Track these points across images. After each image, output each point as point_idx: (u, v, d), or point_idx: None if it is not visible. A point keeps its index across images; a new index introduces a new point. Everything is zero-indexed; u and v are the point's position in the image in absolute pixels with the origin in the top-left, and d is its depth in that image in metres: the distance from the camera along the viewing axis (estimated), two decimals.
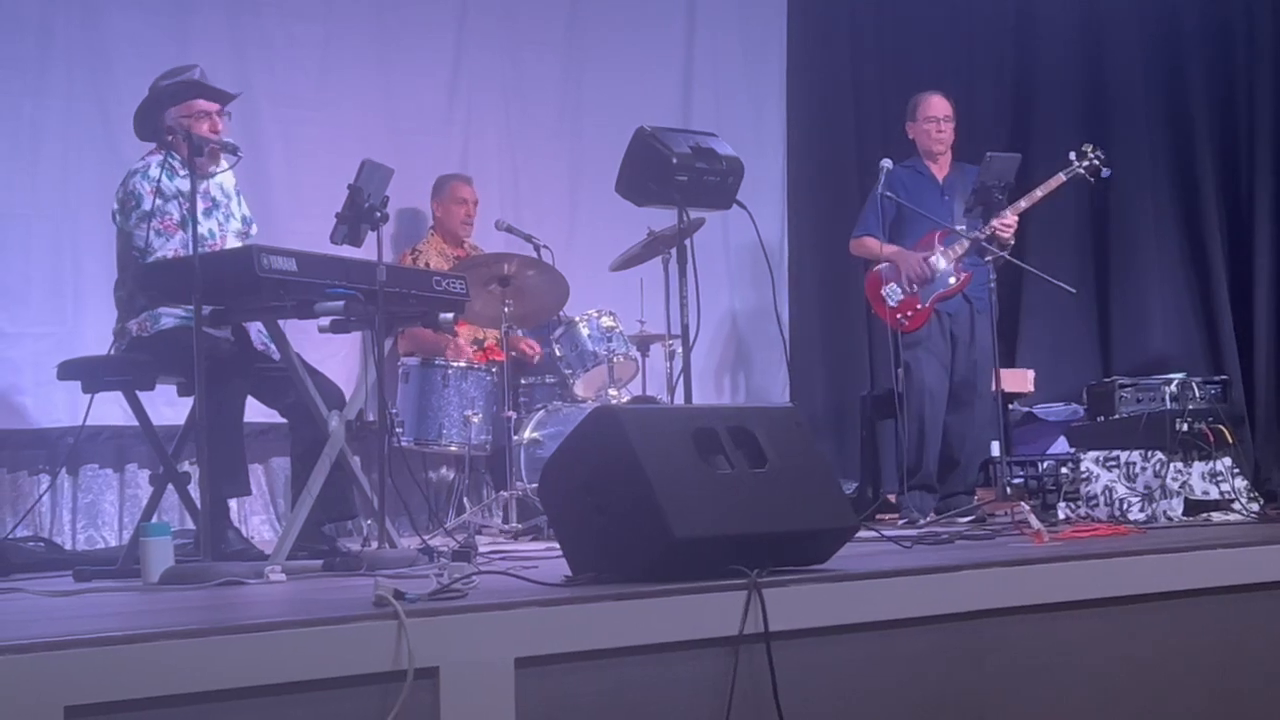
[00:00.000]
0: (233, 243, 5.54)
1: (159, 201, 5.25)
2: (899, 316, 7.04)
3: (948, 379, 7.14)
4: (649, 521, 3.59)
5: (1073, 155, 7.09)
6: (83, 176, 6.85)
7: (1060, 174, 7.07)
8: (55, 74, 6.95)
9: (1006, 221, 6.87)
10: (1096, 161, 7.06)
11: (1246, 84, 9.09)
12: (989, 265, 6.79)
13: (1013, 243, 6.95)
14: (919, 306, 7.07)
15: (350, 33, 7.78)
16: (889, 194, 6.98)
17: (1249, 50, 9.10)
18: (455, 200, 7.73)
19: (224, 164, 5.31)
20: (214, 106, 5.42)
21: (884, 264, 7.13)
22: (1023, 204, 6.98)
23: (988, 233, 6.85)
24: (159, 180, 5.28)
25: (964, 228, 7.01)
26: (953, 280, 7.06)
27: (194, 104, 5.39)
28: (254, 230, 5.70)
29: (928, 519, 6.72)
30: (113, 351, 5.42)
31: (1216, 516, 6.02)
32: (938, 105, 7.34)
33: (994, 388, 6.91)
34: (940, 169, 7.33)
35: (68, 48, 6.99)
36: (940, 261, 7.04)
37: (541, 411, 7.17)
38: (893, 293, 7.10)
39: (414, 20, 7.98)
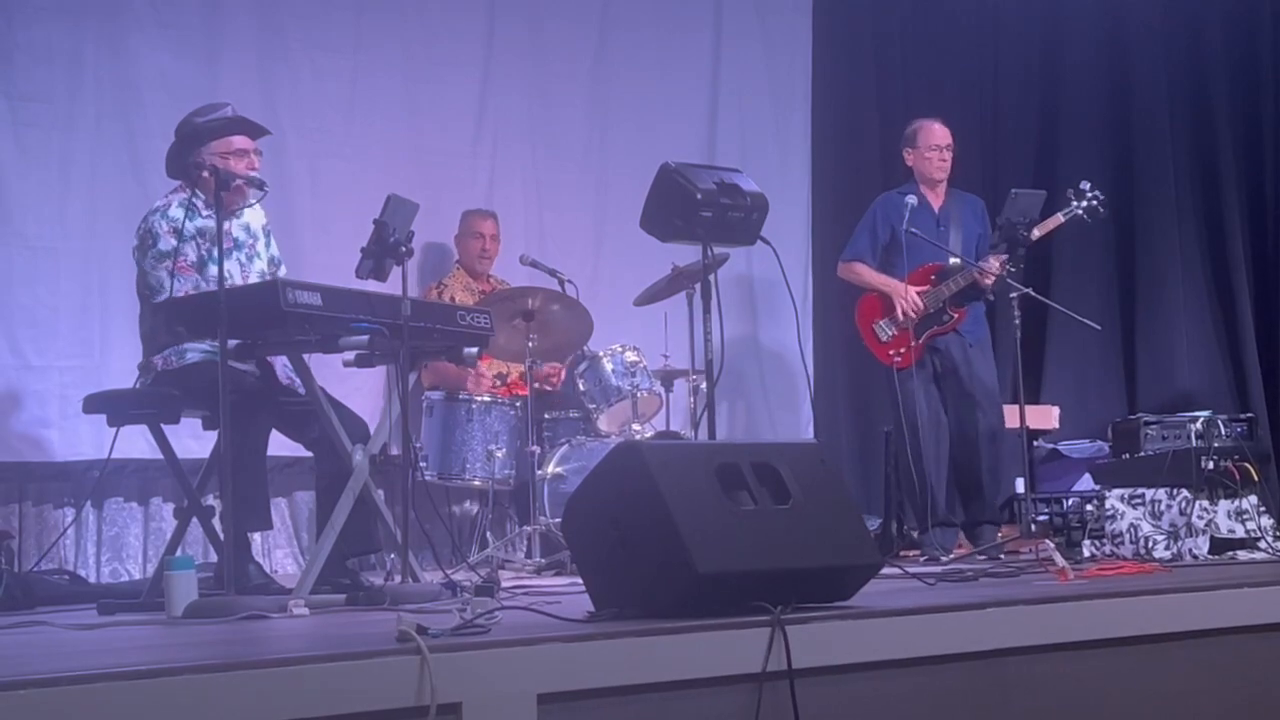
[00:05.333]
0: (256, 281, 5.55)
1: (176, 242, 5.26)
2: (891, 353, 7.00)
3: (943, 414, 7.09)
4: (672, 557, 3.58)
5: (1070, 194, 7.01)
6: (110, 210, 6.89)
7: (1058, 214, 6.98)
8: (84, 107, 7.00)
9: (991, 269, 6.80)
10: (1094, 202, 6.96)
11: (1273, 119, 9.10)
12: (1013, 301, 6.75)
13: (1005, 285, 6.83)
14: (911, 344, 6.99)
15: (377, 69, 7.82)
16: (913, 230, 6.93)
17: (1276, 85, 9.10)
18: (471, 234, 7.76)
19: (251, 199, 5.33)
20: (251, 145, 5.43)
21: (874, 294, 7.09)
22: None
23: (973, 277, 6.79)
24: (180, 221, 5.28)
25: (957, 261, 6.95)
26: (945, 318, 7.02)
27: (233, 141, 5.39)
28: (283, 271, 5.70)
29: (950, 556, 6.69)
30: (138, 385, 5.44)
31: (1242, 555, 5.99)
32: (940, 134, 7.24)
33: (1018, 423, 6.87)
34: (937, 198, 7.24)
35: (97, 81, 7.03)
36: (934, 297, 6.98)
37: (565, 446, 7.17)
38: (884, 328, 7.05)
39: (441, 57, 8.03)
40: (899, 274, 7.03)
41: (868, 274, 7.13)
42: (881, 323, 7.05)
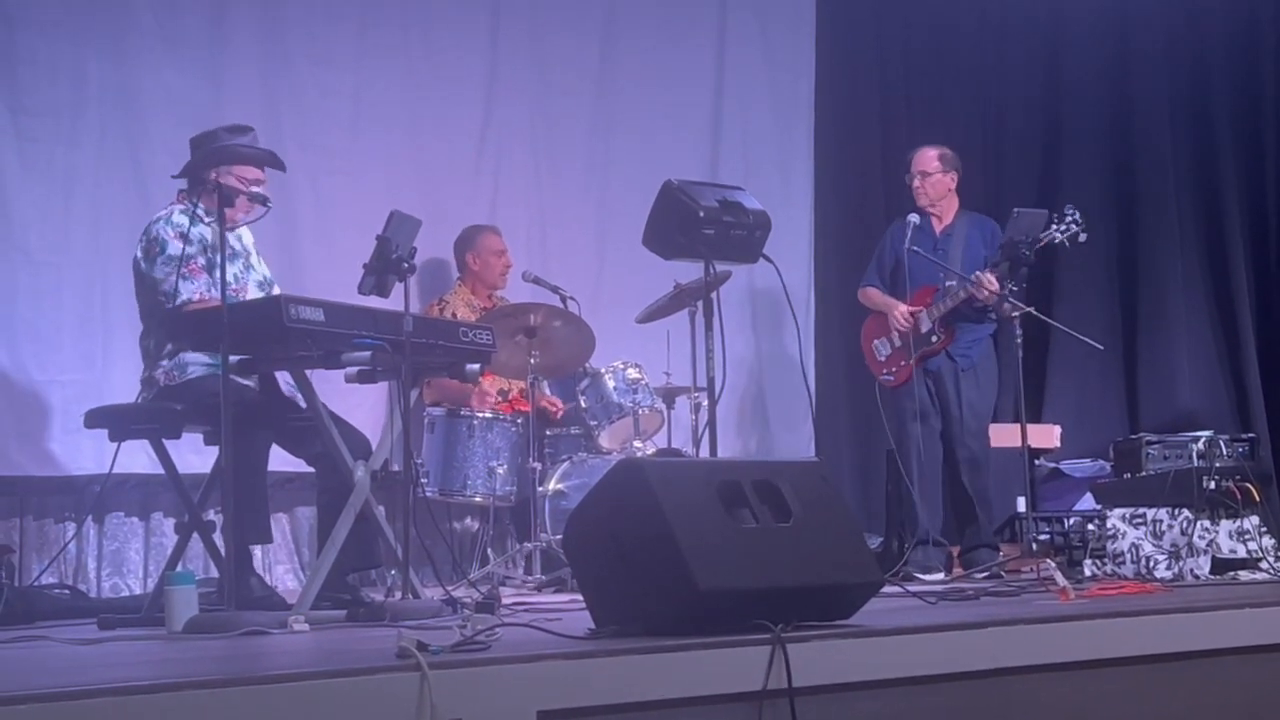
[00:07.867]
0: (254, 292, 5.57)
1: (184, 246, 5.28)
2: (884, 372, 7.09)
3: (937, 435, 7.12)
4: (673, 574, 3.58)
5: (1054, 219, 6.99)
6: (114, 224, 6.89)
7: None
8: (88, 121, 7.00)
9: (985, 282, 6.82)
10: (1074, 227, 6.95)
11: (1275, 139, 9.10)
12: (1014, 322, 6.77)
13: (1007, 306, 6.83)
14: (904, 363, 7.09)
15: (381, 84, 7.82)
16: (914, 248, 7.00)
17: (1277, 103, 9.11)
18: (493, 252, 7.72)
19: (253, 214, 5.34)
20: (262, 175, 5.46)
21: (878, 315, 7.19)
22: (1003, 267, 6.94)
23: (964, 294, 6.84)
24: (185, 226, 5.31)
25: (955, 282, 6.98)
26: (934, 339, 7.06)
27: (249, 170, 5.41)
28: (275, 292, 5.70)
29: (934, 576, 6.68)
30: (140, 400, 5.45)
31: (1244, 575, 5.99)
32: (916, 160, 7.36)
33: (1020, 442, 6.88)
34: (940, 221, 7.33)
35: (101, 95, 7.03)
36: (925, 317, 7.05)
37: (566, 463, 7.17)
38: (881, 347, 7.17)
39: (444, 72, 8.03)
40: (902, 296, 7.14)
41: (876, 296, 7.29)
42: (879, 342, 7.17)
